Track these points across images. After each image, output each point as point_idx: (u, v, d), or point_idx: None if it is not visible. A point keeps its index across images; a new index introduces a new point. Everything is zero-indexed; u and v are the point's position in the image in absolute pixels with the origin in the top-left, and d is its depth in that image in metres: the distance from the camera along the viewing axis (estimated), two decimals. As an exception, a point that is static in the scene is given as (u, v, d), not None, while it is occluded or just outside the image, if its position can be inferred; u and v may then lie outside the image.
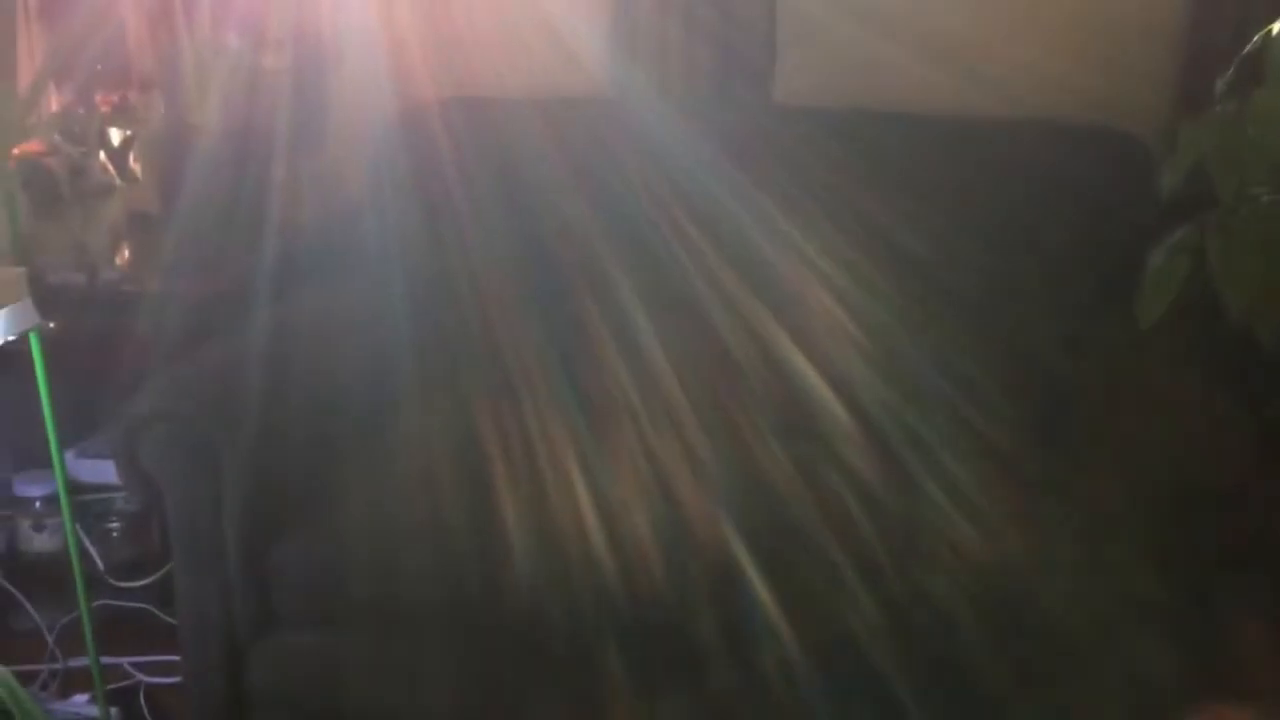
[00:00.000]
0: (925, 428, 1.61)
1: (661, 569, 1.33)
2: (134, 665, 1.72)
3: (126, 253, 1.69)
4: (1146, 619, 1.24)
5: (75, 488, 1.64)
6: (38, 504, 1.76)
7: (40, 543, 1.77)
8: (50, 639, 1.73)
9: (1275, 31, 1.19)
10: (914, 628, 1.29)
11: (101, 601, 1.72)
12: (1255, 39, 1.23)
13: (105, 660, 1.58)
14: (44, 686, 1.69)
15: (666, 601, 1.31)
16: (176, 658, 1.47)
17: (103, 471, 1.77)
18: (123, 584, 1.73)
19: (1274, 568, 1.25)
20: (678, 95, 1.83)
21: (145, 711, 1.66)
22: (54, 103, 1.84)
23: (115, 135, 1.80)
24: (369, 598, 1.37)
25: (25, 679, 1.67)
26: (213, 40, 1.68)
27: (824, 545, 1.35)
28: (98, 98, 1.84)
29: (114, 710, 1.61)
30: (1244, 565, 1.25)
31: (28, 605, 1.75)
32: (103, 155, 1.65)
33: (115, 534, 1.76)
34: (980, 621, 1.27)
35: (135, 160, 1.85)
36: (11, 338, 1.34)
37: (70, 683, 1.71)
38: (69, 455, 1.72)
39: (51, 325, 1.36)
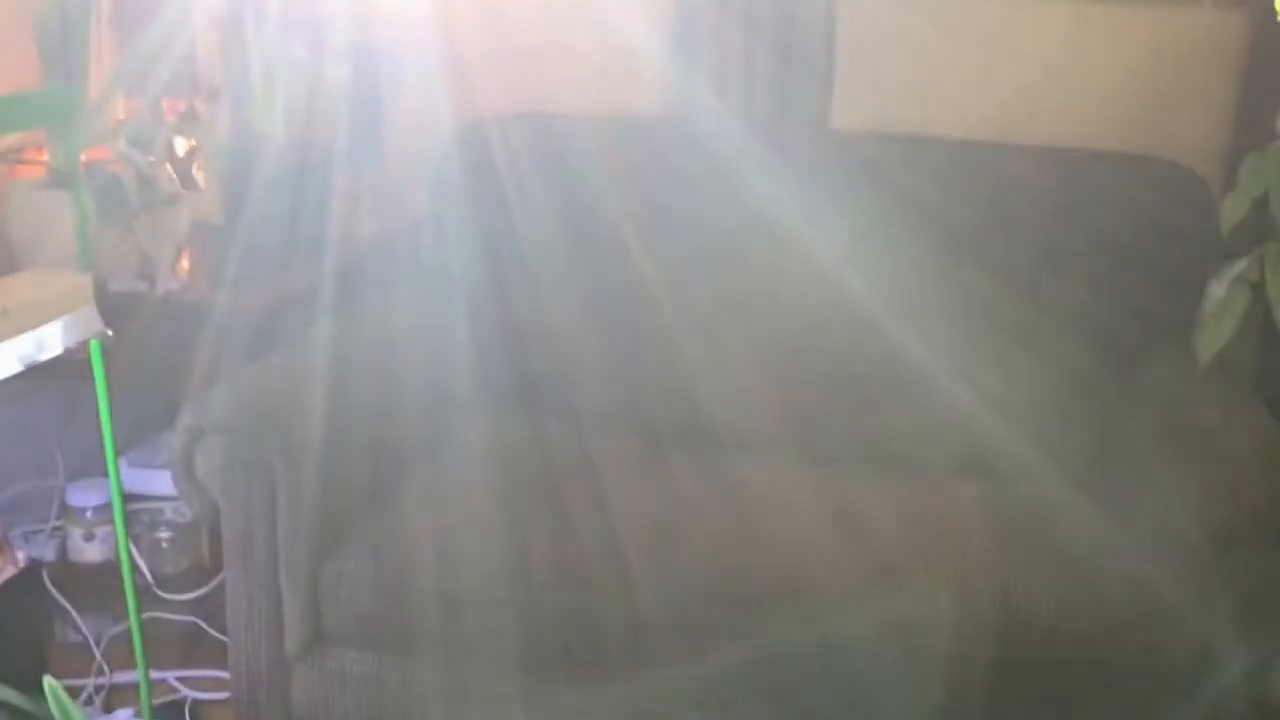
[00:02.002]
0: (974, 453, 1.59)
1: (735, 595, 1.28)
2: (180, 680, 1.70)
3: (187, 262, 1.68)
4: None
5: (126, 498, 1.63)
6: (88, 513, 1.75)
7: (90, 552, 1.75)
8: (98, 652, 1.71)
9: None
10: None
11: (149, 614, 1.69)
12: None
13: (152, 674, 1.56)
14: (89, 701, 1.67)
15: (742, 636, 1.27)
16: (224, 673, 1.45)
17: (153, 481, 1.76)
18: (170, 596, 1.71)
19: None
20: (735, 116, 1.82)
21: (190, 728, 1.63)
22: (122, 110, 1.86)
23: (181, 144, 1.81)
24: (424, 622, 1.35)
25: (70, 693, 1.64)
26: (279, 52, 1.69)
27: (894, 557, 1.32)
28: (165, 106, 1.86)
29: (159, 726, 1.58)
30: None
31: (76, 616, 1.74)
32: (168, 165, 1.65)
33: (164, 544, 1.75)
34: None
35: (199, 170, 1.86)
36: (73, 345, 1.33)
37: (116, 696, 1.69)
38: (121, 464, 1.71)
39: (110, 333, 1.35)
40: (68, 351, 1.32)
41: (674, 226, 1.73)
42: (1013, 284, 1.62)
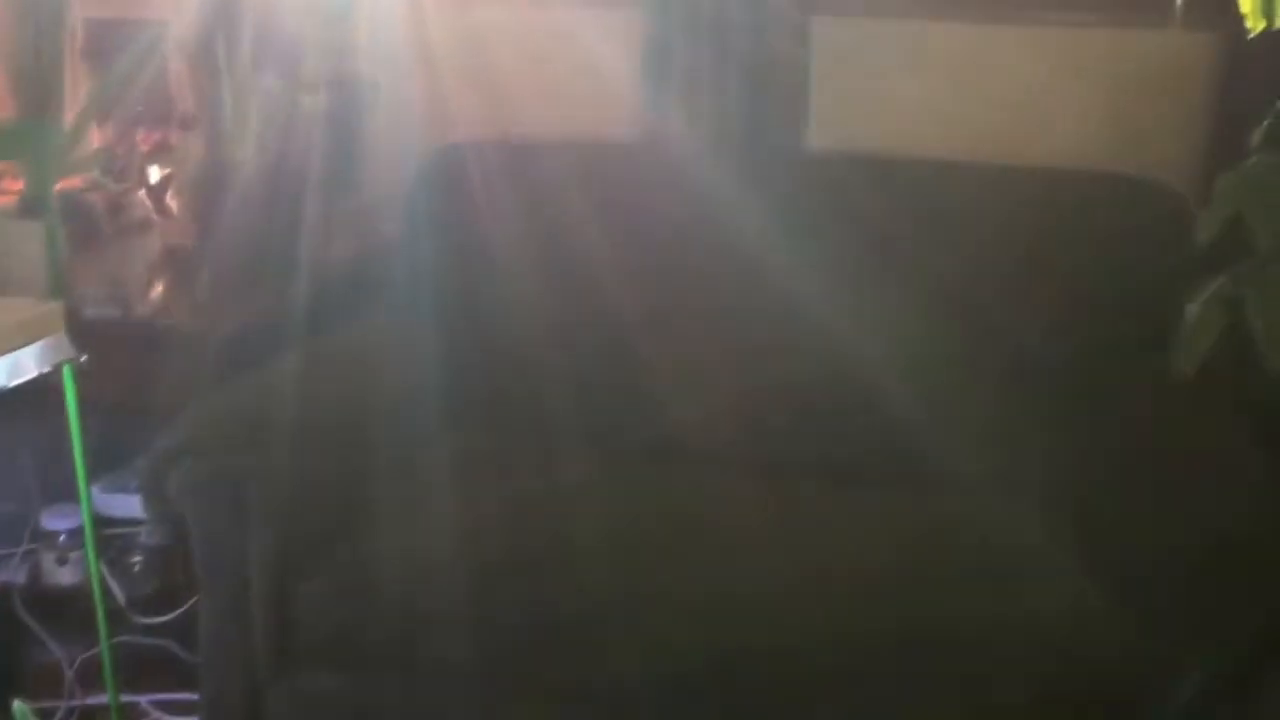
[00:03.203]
0: (958, 470, 1.60)
1: (703, 623, 1.30)
2: (152, 703, 1.70)
3: (161, 288, 1.70)
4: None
5: (99, 522, 1.63)
6: (62, 537, 1.76)
7: (62, 576, 1.76)
8: (70, 674, 1.71)
9: (1314, 83, 1.19)
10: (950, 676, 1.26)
11: (121, 637, 1.70)
12: (1290, 92, 1.22)
13: (123, 698, 1.56)
14: (60, 724, 1.67)
15: (712, 661, 1.28)
16: (195, 696, 1.45)
17: (127, 506, 1.76)
18: (143, 620, 1.72)
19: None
20: (710, 140, 1.84)
21: (161, 751, 1.63)
22: (97, 140, 1.88)
23: (155, 172, 1.83)
24: (394, 642, 1.35)
25: (41, 716, 1.64)
26: (252, 81, 1.71)
27: (858, 586, 1.33)
28: (139, 136, 1.88)
29: (130, 749, 1.59)
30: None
31: (47, 640, 1.74)
32: (142, 191, 1.67)
33: (137, 568, 1.75)
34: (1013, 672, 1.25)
35: (173, 197, 1.88)
36: (46, 370, 1.35)
37: (87, 720, 1.69)
38: (94, 489, 1.72)
39: (84, 358, 1.37)
40: (41, 376, 1.34)
41: (647, 250, 1.74)
42: (988, 303, 1.63)
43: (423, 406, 1.69)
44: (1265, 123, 1.26)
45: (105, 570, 1.72)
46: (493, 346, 1.76)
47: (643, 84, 1.86)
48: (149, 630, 1.73)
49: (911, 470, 1.61)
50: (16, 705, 1.05)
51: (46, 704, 1.68)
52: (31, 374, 1.33)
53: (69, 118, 1.66)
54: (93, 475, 1.50)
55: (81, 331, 1.39)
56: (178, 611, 1.71)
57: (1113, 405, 1.56)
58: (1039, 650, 1.25)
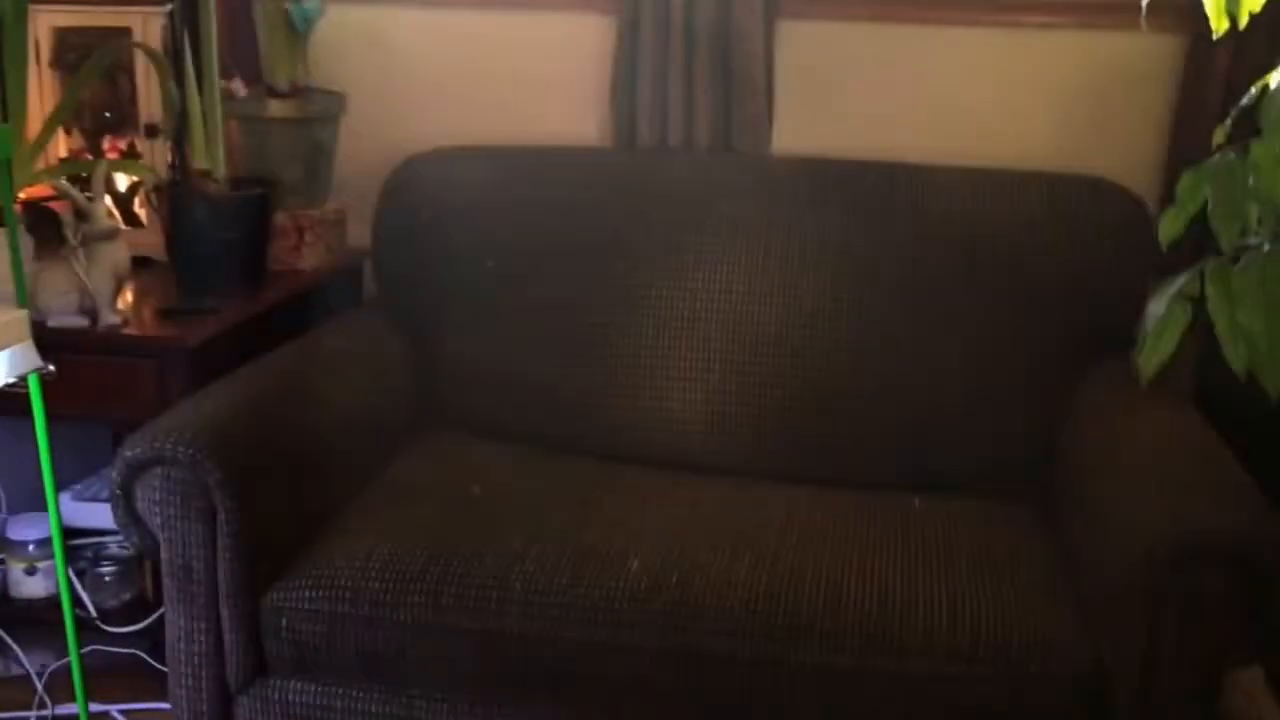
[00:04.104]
0: (917, 471, 1.62)
1: (675, 630, 1.30)
2: (122, 713, 1.69)
3: (129, 297, 1.69)
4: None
5: (68, 532, 1.63)
6: (31, 547, 1.75)
7: (31, 587, 1.75)
8: (39, 685, 1.70)
9: (1273, 85, 1.21)
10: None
11: (92, 647, 1.69)
12: (1252, 91, 1.24)
13: (94, 708, 1.56)
14: (30, 735, 1.66)
15: (684, 668, 1.29)
16: (166, 706, 1.45)
17: (96, 515, 1.75)
18: (114, 629, 1.71)
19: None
20: (677, 145, 1.85)
21: (132, 761, 1.63)
22: (63, 148, 1.87)
23: (122, 181, 1.82)
24: (364, 651, 1.36)
25: (11, 727, 1.64)
26: (220, 89, 1.71)
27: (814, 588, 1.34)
28: (106, 144, 1.87)
29: (100, 760, 1.58)
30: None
31: (17, 650, 1.73)
32: (108, 200, 1.66)
33: (108, 579, 1.74)
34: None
35: (141, 205, 1.87)
36: (12, 380, 1.34)
37: (57, 731, 1.68)
38: (63, 498, 1.71)
39: (51, 368, 1.36)
40: (8, 386, 1.33)
41: (617, 254, 1.75)
42: (953, 304, 1.65)
43: (393, 414, 1.69)
44: (1228, 121, 1.27)
45: (75, 580, 1.71)
46: (464, 351, 1.76)
47: (612, 90, 1.87)
48: (120, 640, 1.72)
49: (881, 471, 1.63)
50: (-18, 717, 1.05)
51: (16, 714, 1.67)
52: (-1, 383, 1.32)
53: (34, 125, 1.65)
54: (61, 484, 1.49)
55: (48, 341, 1.38)
56: (148, 620, 1.71)
57: (1077, 405, 1.58)
58: (1012, 649, 1.27)
